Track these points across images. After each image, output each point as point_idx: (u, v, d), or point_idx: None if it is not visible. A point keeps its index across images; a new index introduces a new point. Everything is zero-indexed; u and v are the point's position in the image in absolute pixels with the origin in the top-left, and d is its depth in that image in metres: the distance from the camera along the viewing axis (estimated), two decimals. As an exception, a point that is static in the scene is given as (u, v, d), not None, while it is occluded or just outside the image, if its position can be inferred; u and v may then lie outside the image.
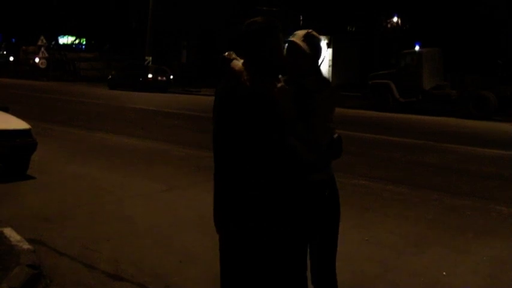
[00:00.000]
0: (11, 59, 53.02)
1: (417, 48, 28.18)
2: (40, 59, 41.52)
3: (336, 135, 3.43)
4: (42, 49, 41.38)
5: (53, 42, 49.63)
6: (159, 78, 33.49)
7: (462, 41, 29.29)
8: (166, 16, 37.61)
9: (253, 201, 3.21)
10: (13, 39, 55.86)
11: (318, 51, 3.40)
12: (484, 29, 28.44)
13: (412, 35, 33.05)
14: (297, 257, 3.44)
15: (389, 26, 37.91)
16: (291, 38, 3.36)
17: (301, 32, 3.38)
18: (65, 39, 55.79)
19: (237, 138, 3.21)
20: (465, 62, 27.15)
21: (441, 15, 30.18)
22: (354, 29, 40.60)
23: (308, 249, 3.51)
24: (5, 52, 57.64)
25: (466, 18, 28.84)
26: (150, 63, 36.10)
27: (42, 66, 41.58)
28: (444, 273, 5.46)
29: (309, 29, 3.45)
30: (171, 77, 34.21)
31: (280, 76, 3.36)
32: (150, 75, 33.21)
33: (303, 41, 3.33)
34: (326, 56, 36.14)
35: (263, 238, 3.26)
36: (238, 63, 3.31)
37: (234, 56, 3.37)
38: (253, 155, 3.21)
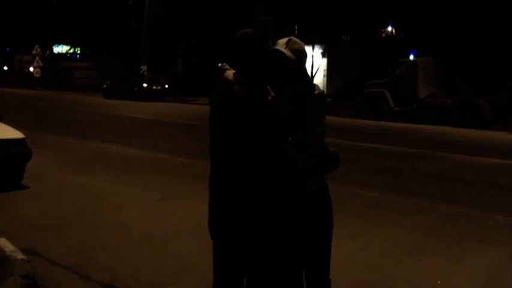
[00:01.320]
0: (5, 68, 53.04)
1: (412, 57, 28.26)
2: (34, 68, 41.55)
3: (332, 150, 3.46)
4: (37, 58, 41.40)
5: (48, 52, 49.59)
6: (154, 87, 33.50)
7: (462, 42, 29.25)
8: (166, 16, 37.60)
9: (253, 201, 3.22)
10: (8, 49, 55.86)
11: (302, 57, 3.44)
12: (484, 30, 28.40)
13: (408, 42, 33.06)
14: (294, 259, 3.44)
15: (384, 35, 38.02)
16: (274, 47, 3.39)
17: (283, 40, 3.42)
18: (59, 49, 55.77)
19: (236, 140, 3.23)
20: (465, 62, 27.12)
21: (440, 16, 30.13)
22: (348, 38, 40.72)
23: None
24: (-1, 61, 57.63)
25: (466, 19, 28.79)
26: (145, 72, 36.09)
27: (37, 75, 41.61)
28: (439, 281, 5.45)
29: (292, 36, 3.48)
30: (166, 86, 34.22)
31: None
32: (145, 85, 33.22)
33: (286, 48, 3.35)
34: (321, 65, 36.23)
35: (262, 239, 3.27)
36: (231, 73, 3.35)
37: (227, 66, 3.42)
38: (253, 156, 3.22)
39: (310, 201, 3.39)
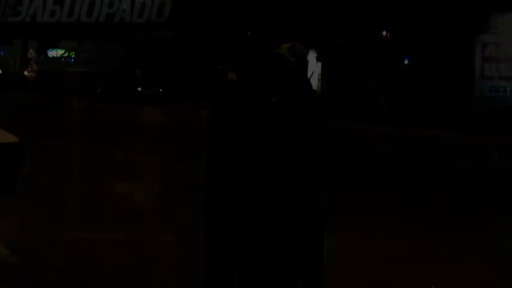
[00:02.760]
0: (0, 72, 52.90)
1: (406, 62, 28.34)
2: (29, 72, 41.49)
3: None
4: (31, 62, 41.36)
5: (42, 56, 49.49)
6: (149, 91, 33.47)
7: (461, 42, 29.21)
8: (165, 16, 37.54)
9: (251, 205, 3.21)
10: (2, 52, 55.71)
11: (304, 62, 3.44)
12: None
13: (404, 46, 33.03)
14: (289, 264, 3.44)
15: (378, 40, 38.10)
16: (277, 51, 3.39)
17: (286, 45, 3.43)
18: (54, 53, 55.65)
19: (236, 141, 3.23)
20: (464, 63, 27.12)
21: (439, 16, 30.05)
22: (343, 42, 40.75)
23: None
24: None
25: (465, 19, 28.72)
26: (140, 76, 36.02)
27: (31, 79, 41.54)
28: (433, 287, 5.44)
29: (295, 42, 3.49)
30: (161, 90, 34.19)
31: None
32: (139, 88, 33.20)
33: (289, 53, 3.36)
34: (315, 69, 36.27)
35: (257, 243, 3.26)
36: (233, 75, 3.36)
37: (229, 69, 3.43)
38: (252, 157, 3.22)
39: (303, 203, 3.39)
